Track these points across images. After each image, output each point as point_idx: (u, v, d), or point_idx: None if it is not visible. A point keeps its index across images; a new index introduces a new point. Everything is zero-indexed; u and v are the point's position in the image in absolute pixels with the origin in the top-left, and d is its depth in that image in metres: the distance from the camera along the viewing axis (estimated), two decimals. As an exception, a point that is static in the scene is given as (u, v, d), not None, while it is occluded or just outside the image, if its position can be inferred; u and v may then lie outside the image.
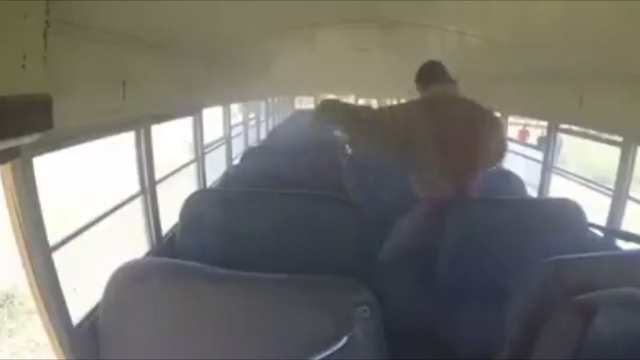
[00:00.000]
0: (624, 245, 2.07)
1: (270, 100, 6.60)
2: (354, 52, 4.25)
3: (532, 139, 8.89)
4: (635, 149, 2.12)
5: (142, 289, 1.19)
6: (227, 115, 3.82)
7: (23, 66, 0.96)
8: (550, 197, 2.94)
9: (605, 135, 2.46)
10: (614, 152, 2.24)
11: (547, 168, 2.99)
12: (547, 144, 3.04)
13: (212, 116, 3.48)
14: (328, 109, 2.29)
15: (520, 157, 3.76)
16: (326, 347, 0.96)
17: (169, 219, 2.22)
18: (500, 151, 2.47)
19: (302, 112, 8.51)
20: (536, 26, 2.09)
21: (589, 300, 1.01)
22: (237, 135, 4.39)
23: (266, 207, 1.89)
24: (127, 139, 1.96)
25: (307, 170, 2.55)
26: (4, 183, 1.15)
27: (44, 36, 1.03)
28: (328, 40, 3.65)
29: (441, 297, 2.08)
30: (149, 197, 2.04)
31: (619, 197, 2.19)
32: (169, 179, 2.43)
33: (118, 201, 1.87)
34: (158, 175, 2.15)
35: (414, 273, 2.29)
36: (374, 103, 10.36)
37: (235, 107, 4.80)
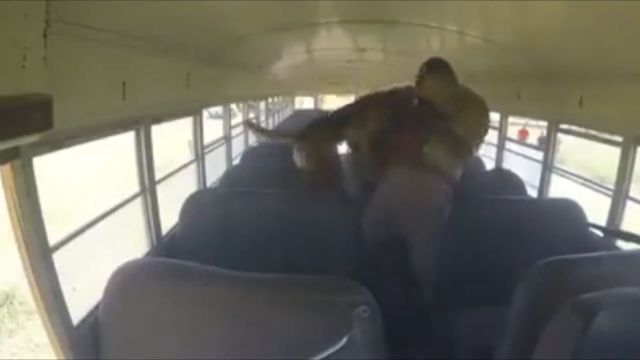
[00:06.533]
0: (624, 245, 2.07)
1: (270, 100, 6.60)
2: (354, 52, 4.25)
3: (532, 139, 8.89)
4: (635, 149, 2.12)
5: (142, 289, 1.19)
6: (227, 115, 3.83)
7: (23, 66, 0.96)
8: (550, 197, 2.94)
9: (606, 135, 2.46)
10: (614, 152, 2.24)
11: (547, 168, 2.99)
12: (547, 144, 3.04)
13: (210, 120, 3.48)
14: None
15: (520, 157, 3.76)
16: (325, 348, 0.96)
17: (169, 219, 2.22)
18: None
19: (301, 112, 8.51)
20: (536, 26, 2.08)
21: (589, 300, 1.01)
22: (237, 135, 4.39)
23: (266, 207, 1.89)
24: (127, 138, 1.96)
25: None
26: (4, 183, 1.15)
27: (44, 36, 1.03)
28: (328, 40, 3.65)
29: (440, 297, 2.08)
30: (149, 197, 2.04)
31: (619, 197, 2.19)
32: (169, 179, 2.43)
33: (118, 201, 1.87)
34: (158, 175, 2.15)
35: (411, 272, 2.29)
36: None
37: (235, 107, 4.81)
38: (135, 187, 2.01)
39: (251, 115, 5.30)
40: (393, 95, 2.42)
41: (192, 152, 3.00)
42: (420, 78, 2.30)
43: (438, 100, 2.23)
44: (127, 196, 1.95)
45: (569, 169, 3.32)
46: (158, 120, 2.11)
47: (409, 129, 2.26)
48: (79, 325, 1.37)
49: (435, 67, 2.28)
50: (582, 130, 2.64)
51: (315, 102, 10.01)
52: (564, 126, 2.87)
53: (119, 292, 1.19)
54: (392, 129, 2.29)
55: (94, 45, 1.39)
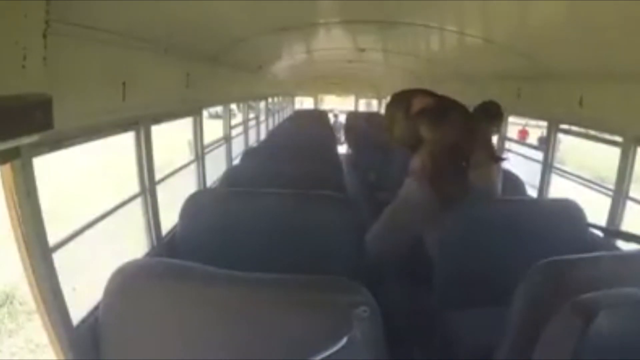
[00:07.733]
0: (624, 245, 2.07)
1: (270, 100, 6.60)
2: (354, 52, 4.25)
3: (532, 139, 8.91)
4: (635, 149, 2.12)
5: (142, 289, 1.19)
6: (227, 115, 3.83)
7: (23, 66, 0.96)
8: (550, 197, 2.94)
9: (606, 135, 2.47)
10: (614, 152, 2.24)
11: (547, 168, 2.99)
12: (547, 144, 3.04)
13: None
14: None
15: (520, 157, 3.76)
16: (325, 348, 0.96)
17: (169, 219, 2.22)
18: None
19: (301, 113, 8.52)
20: (536, 26, 2.09)
21: (589, 300, 1.01)
22: (237, 135, 4.39)
23: (266, 207, 1.89)
24: (127, 138, 1.96)
25: (307, 170, 2.55)
26: (4, 183, 1.15)
27: (44, 36, 1.03)
28: (328, 40, 3.65)
29: (441, 297, 2.08)
30: (149, 197, 2.04)
31: (619, 197, 2.19)
32: (169, 179, 2.43)
33: (118, 201, 1.87)
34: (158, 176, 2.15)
35: (410, 272, 2.29)
36: (374, 103, 10.39)
37: (235, 107, 4.81)
38: (135, 187, 2.01)
39: (251, 115, 5.30)
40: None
41: (192, 152, 3.01)
42: (479, 118, 2.41)
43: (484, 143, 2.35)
44: (127, 196, 1.95)
45: (569, 169, 3.32)
46: (158, 120, 2.11)
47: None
48: (79, 325, 1.37)
49: (498, 118, 2.51)
50: (582, 130, 2.64)
51: (315, 102, 10.01)
52: (564, 126, 2.87)
53: (119, 292, 1.19)
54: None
55: (94, 45, 1.39)
